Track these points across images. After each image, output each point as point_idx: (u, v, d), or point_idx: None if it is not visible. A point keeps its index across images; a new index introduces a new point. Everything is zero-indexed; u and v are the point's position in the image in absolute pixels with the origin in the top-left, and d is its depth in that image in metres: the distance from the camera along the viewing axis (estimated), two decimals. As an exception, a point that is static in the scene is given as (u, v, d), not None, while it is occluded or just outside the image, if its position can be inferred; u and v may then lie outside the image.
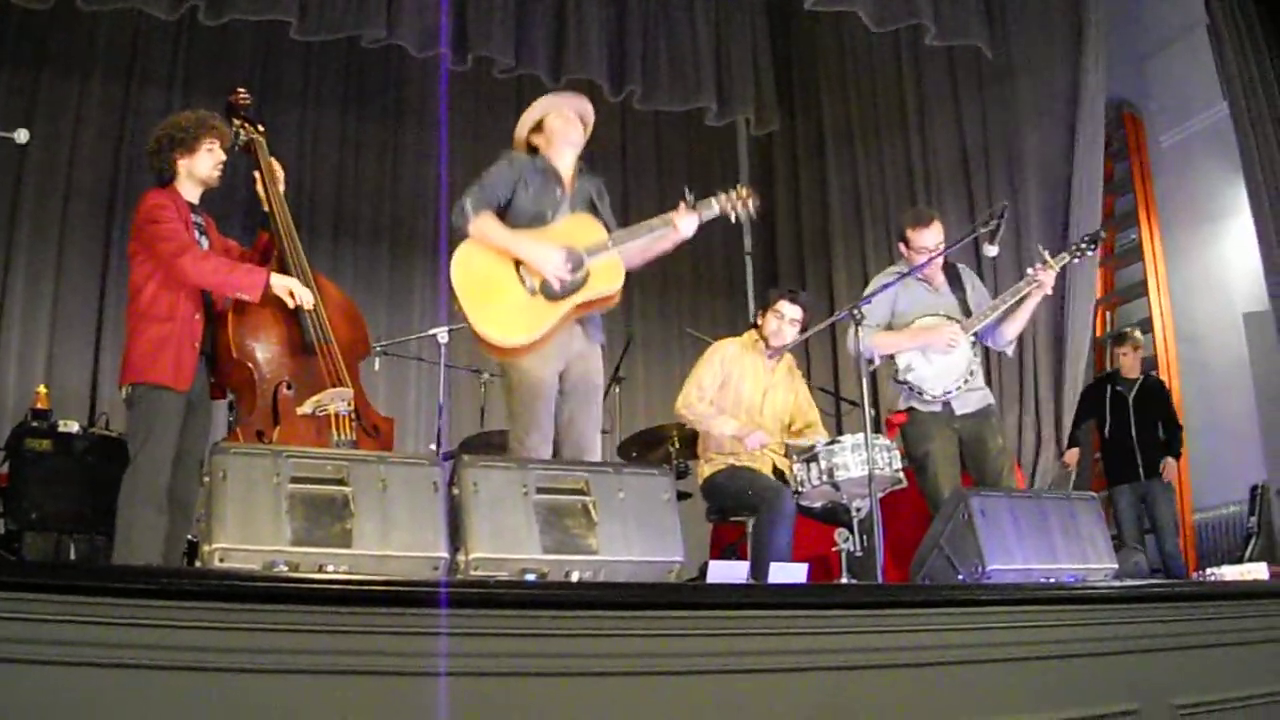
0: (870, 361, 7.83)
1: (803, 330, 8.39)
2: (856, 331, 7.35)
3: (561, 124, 6.99)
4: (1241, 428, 10.07)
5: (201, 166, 6.81)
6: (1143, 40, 11.03)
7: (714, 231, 13.49)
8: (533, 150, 7.06)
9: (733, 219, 7.12)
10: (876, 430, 7.58)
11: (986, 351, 8.46)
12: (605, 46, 11.32)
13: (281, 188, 7.21)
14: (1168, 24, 10.57)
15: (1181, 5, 10.46)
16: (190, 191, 6.82)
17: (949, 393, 7.87)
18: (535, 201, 6.77)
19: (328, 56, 12.01)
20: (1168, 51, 10.48)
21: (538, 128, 7.06)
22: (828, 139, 13.29)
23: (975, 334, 7.98)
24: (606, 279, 6.65)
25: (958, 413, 7.94)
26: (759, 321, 8.42)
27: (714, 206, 7.02)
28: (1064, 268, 8.12)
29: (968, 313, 8.03)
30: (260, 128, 7.42)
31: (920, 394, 7.93)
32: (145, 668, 3.81)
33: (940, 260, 8.14)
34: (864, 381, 7.25)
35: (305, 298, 6.74)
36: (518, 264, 6.56)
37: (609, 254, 6.67)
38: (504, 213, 6.73)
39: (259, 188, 7.19)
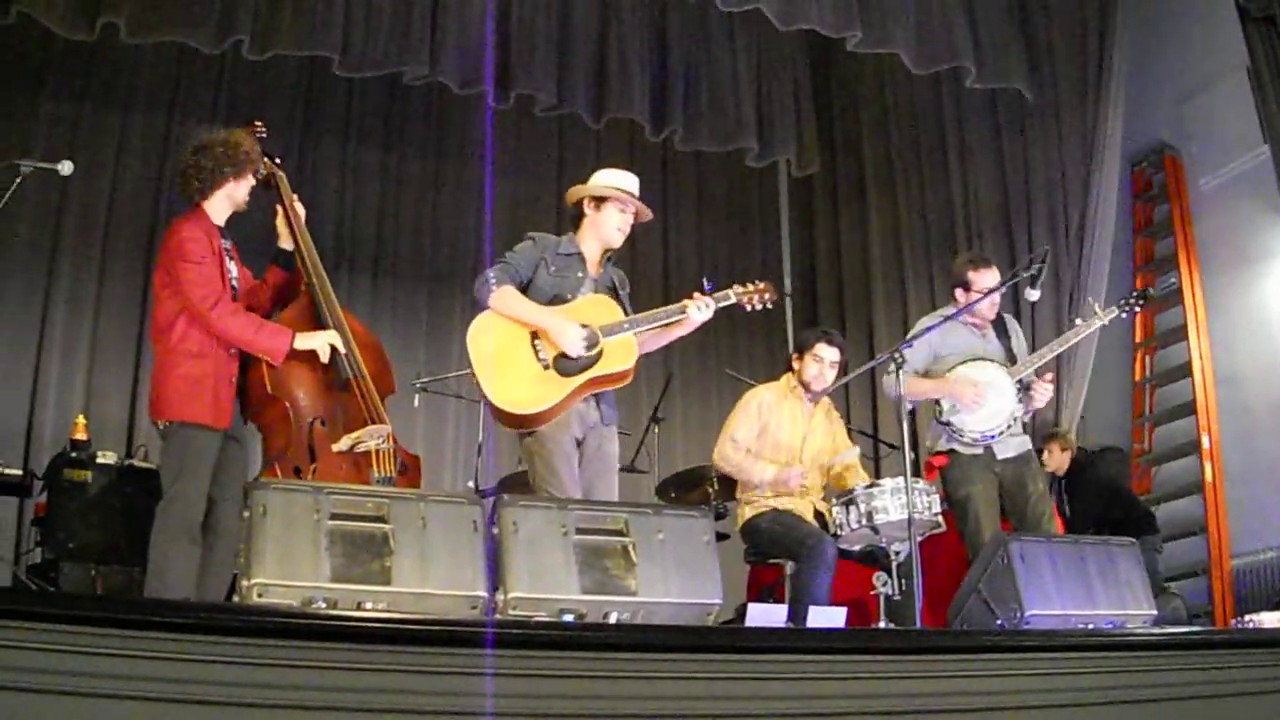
0: (903, 403, 7.84)
1: (842, 372, 8.36)
2: (897, 374, 7.32)
3: (620, 222, 7.08)
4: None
5: (243, 192, 6.79)
6: (1183, 82, 10.98)
7: (753, 271, 13.56)
8: (576, 211, 7.14)
9: (748, 309, 7.32)
10: (916, 474, 7.54)
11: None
12: (647, 86, 11.33)
13: (301, 219, 7.16)
14: (1208, 66, 10.51)
15: (1221, 47, 10.41)
16: (221, 215, 6.76)
17: (990, 436, 7.85)
18: (556, 283, 6.88)
19: (369, 93, 12.02)
20: (1208, 93, 10.43)
21: (597, 203, 7.08)
22: (869, 181, 13.25)
23: (1020, 381, 7.95)
24: (620, 358, 6.74)
25: (998, 456, 7.93)
26: (795, 366, 8.36)
27: (731, 297, 7.19)
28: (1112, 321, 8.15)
29: (1012, 360, 8.03)
30: (278, 161, 7.36)
31: (960, 436, 7.90)
32: (181, 701, 3.82)
33: (995, 307, 8.16)
34: (904, 425, 7.22)
35: (324, 352, 6.72)
36: (533, 338, 6.67)
37: (623, 334, 6.77)
38: (524, 291, 6.83)
39: (279, 222, 7.14)
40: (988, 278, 8.07)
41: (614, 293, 7.09)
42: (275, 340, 6.55)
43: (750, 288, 7.28)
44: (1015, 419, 7.91)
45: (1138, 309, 8.20)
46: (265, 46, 9.40)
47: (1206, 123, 10.20)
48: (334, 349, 6.75)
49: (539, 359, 6.62)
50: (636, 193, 7.15)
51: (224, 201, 6.75)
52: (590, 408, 6.84)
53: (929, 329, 7.96)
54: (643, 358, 7.06)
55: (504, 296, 6.71)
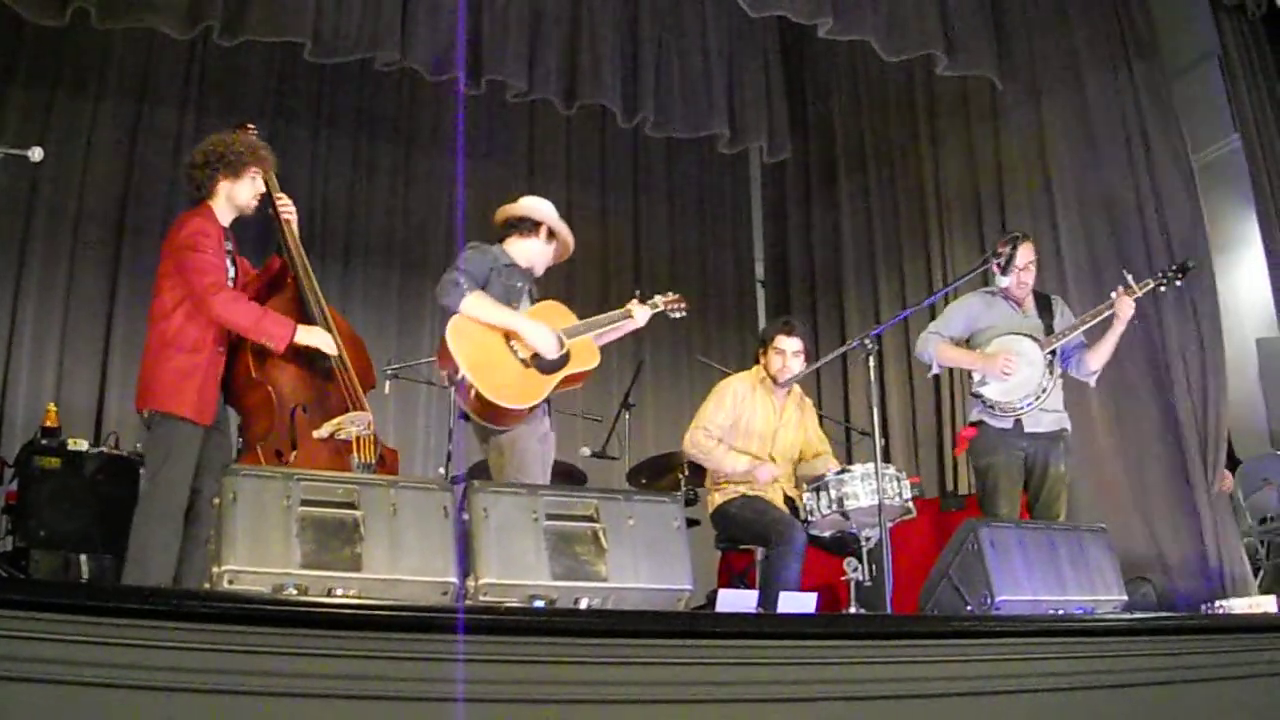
0: (929, 368, 8.25)
1: (809, 359, 8.38)
2: (867, 360, 7.35)
3: (554, 256, 7.65)
4: (1251, 454, 10.03)
5: (242, 193, 6.78)
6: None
7: (725, 258, 13.57)
8: (508, 226, 7.57)
9: (673, 316, 8.08)
10: (886, 460, 7.58)
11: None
12: (618, 73, 11.31)
13: (294, 221, 7.17)
14: (1179, 55, 10.54)
15: (1193, 37, 10.45)
16: (225, 215, 6.77)
17: (1018, 408, 7.95)
18: (504, 291, 7.21)
19: (340, 79, 11.98)
20: (1180, 81, 10.44)
21: (545, 230, 7.55)
22: (840, 167, 13.27)
23: (1054, 354, 8.08)
24: (586, 357, 7.26)
25: (1027, 430, 8.00)
26: (761, 359, 8.41)
27: (660, 305, 7.87)
28: (1149, 294, 8.18)
29: (1050, 335, 8.14)
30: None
31: (991, 407, 8.01)
32: (153, 689, 3.81)
33: (1030, 282, 8.28)
34: (874, 411, 7.25)
35: (329, 348, 6.76)
36: (506, 339, 7.03)
37: (582, 336, 7.27)
38: None
39: (274, 218, 7.17)
40: (1022, 252, 8.18)
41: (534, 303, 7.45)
42: (279, 328, 6.57)
43: (669, 296, 8.01)
44: (1045, 390, 7.96)
45: (1177, 282, 8.19)
46: (235, 33, 9.35)
47: (1177, 110, 10.20)
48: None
49: (518, 357, 6.98)
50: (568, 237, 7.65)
51: (225, 203, 6.76)
52: (545, 416, 7.22)
53: (958, 310, 8.35)
54: (613, 345, 7.65)
55: (477, 301, 7.00)
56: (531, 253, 7.47)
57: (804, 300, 13.55)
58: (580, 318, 7.43)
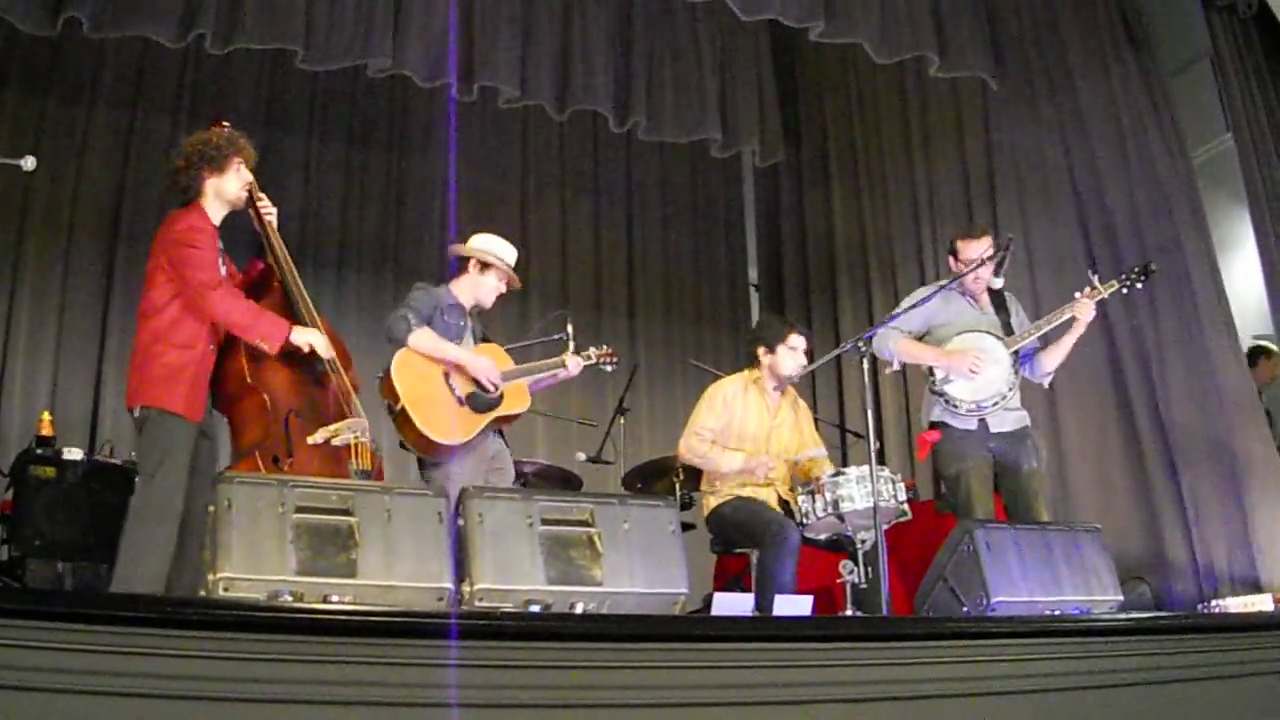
0: (889, 364, 8.18)
1: (810, 360, 8.38)
2: (862, 361, 7.33)
3: (497, 289, 7.94)
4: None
5: (230, 187, 6.73)
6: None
7: (719, 261, 13.57)
8: (459, 266, 7.99)
9: (607, 369, 8.60)
10: (881, 463, 7.56)
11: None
12: (610, 78, 11.30)
13: (273, 219, 7.12)
14: (1173, 55, 10.53)
15: (1186, 36, 10.44)
16: (216, 213, 6.71)
17: (982, 407, 7.88)
18: (445, 329, 7.59)
19: (333, 86, 11.97)
20: (1173, 82, 10.44)
21: (483, 265, 7.89)
22: (833, 170, 13.25)
23: (1016, 355, 8.01)
24: (517, 401, 7.65)
25: (992, 430, 7.95)
26: (764, 360, 8.35)
27: (592, 358, 8.26)
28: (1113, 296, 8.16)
29: (1009, 333, 8.05)
30: None
31: (954, 406, 7.93)
32: (149, 696, 3.82)
33: (984, 280, 8.20)
34: (869, 414, 7.24)
35: (324, 351, 6.75)
36: (446, 376, 7.42)
37: (517, 381, 7.70)
38: None
39: (253, 219, 7.11)
40: (974, 247, 8.14)
41: (479, 338, 7.91)
42: (275, 327, 6.54)
43: (603, 350, 8.41)
44: (1012, 388, 7.91)
45: (1139, 284, 8.16)
46: (228, 40, 9.33)
47: (1170, 109, 10.20)
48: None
49: (455, 395, 7.39)
50: (513, 264, 7.98)
51: (215, 199, 6.71)
52: (489, 440, 7.63)
53: (922, 300, 8.10)
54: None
55: (423, 336, 7.43)
56: (471, 289, 7.85)
57: (798, 303, 13.52)
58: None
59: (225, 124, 7.22)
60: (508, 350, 7.89)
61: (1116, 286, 8.09)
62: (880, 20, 10.15)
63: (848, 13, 9.98)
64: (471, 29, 10.46)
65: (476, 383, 7.43)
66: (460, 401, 7.32)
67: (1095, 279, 8.05)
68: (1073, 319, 7.96)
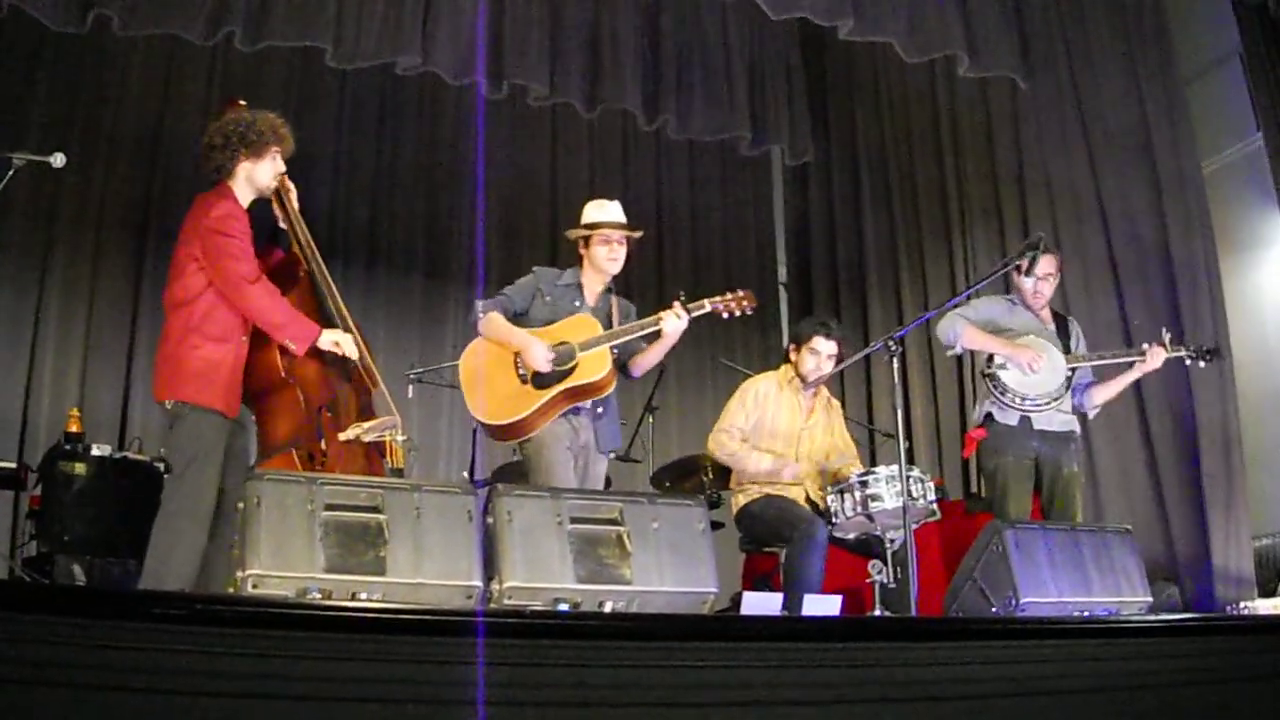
0: (950, 348, 8.20)
1: (838, 362, 8.34)
2: (892, 362, 7.31)
3: (607, 253, 7.59)
4: (1276, 456, 9.97)
5: (263, 174, 6.65)
6: (1177, 69, 10.96)
7: (748, 260, 13.55)
8: (576, 248, 7.72)
9: (726, 316, 7.84)
10: (910, 462, 7.55)
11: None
12: (639, 76, 11.32)
13: (295, 203, 7.00)
14: (1202, 53, 10.50)
15: (1215, 34, 10.40)
16: (244, 197, 6.61)
17: (1029, 404, 7.92)
18: (550, 312, 7.47)
19: (362, 83, 11.99)
20: (1202, 80, 10.41)
21: (584, 241, 7.64)
22: (862, 168, 13.22)
23: (1072, 373, 8.04)
24: (593, 369, 7.21)
25: (1036, 427, 7.97)
26: (792, 357, 8.35)
27: (706, 307, 7.65)
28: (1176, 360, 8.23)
29: (1068, 354, 8.07)
30: None
31: (1002, 393, 7.95)
32: (176, 693, 3.81)
33: (1047, 296, 8.28)
34: (899, 413, 7.22)
35: (351, 352, 6.66)
36: (516, 357, 7.24)
37: (598, 348, 7.28)
38: (520, 319, 7.47)
39: (274, 205, 6.98)
40: (1048, 263, 8.15)
41: (608, 320, 7.52)
42: (306, 329, 6.46)
43: (729, 296, 7.79)
44: (1058, 400, 7.93)
45: (1202, 362, 8.23)
46: (257, 38, 9.36)
47: (1200, 109, 10.16)
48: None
49: (519, 375, 7.21)
50: (618, 218, 7.70)
51: (245, 184, 6.62)
52: (585, 430, 7.35)
53: (990, 299, 8.34)
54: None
55: (489, 323, 7.36)
56: (589, 264, 7.61)
57: (827, 302, 13.49)
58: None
59: (242, 102, 7.15)
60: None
61: (1183, 354, 8.16)
62: (909, 19, 10.13)
63: (877, 11, 9.96)
64: (501, 27, 10.49)
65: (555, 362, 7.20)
66: (523, 380, 7.18)
67: (1168, 337, 8.06)
68: (1135, 363, 7.98)
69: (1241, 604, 8.19)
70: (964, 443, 8.33)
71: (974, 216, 11.60)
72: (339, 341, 6.60)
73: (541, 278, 7.59)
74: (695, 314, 7.49)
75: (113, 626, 3.76)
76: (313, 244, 6.98)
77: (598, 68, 11.15)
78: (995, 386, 7.95)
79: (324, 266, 6.96)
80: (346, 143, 12.18)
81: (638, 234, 7.75)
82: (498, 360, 7.24)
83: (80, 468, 8.51)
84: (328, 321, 6.72)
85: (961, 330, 8.07)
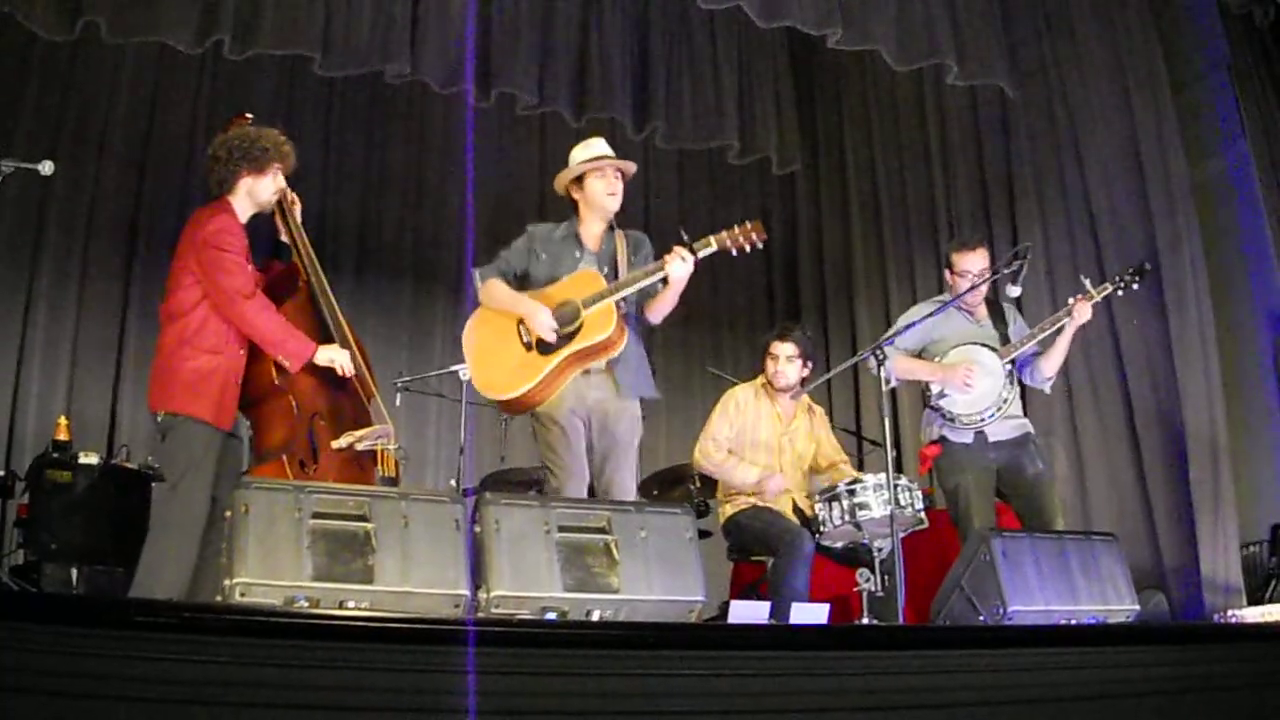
0: (888, 382, 7.83)
1: (809, 364, 8.33)
2: (879, 367, 7.31)
3: (605, 188, 7.27)
4: (1263, 466, 9.98)
5: (264, 190, 6.69)
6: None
7: (736, 269, 13.52)
8: (568, 198, 7.41)
9: (735, 253, 7.25)
10: (899, 471, 7.55)
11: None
12: (628, 84, 11.33)
13: (298, 217, 7.05)
14: (1190, 64, 10.51)
15: (1204, 46, 10.41)
16: (244, 212, 6.64)
17: (981, 419, 7.87)
18: (550, 269, 7.17)
19: (350, 92, 12.00)
20: (1189, 91, 10.42)
21: (578, 182, 7.32)
22: (850, 177, 13.21)
23: (1013, 363, 7.99)
24: (597, 328, 6.85)
25: (991, 440, 7.93)
26: (763, 365, 8.39)
27: (713, 244, 7.15)
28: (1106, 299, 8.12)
29: (1006, 343, 8.04)
30: None
31: (951, 420, 7.92)
32: (164, 701, 3.82)
33: (983, 291, 8.20)
34: (886, 421, 7.22)
35: (348, 369, 6.67)
36: (519, 323, 6.96)
37: (603, 303, 6.91)
38: (522, 282, 7.21)
39: (276, 218, 7.03)
40: (970, 259, 8.11)
41: (614, 261, 7.21)
42: (301, 346, 6.49)
43: (735, 229, 7.23)
44: (1006, 400, 7.88)
45: (1134, 286, 8.12)
46: (246, 46, 9.36)
47: (1185, 121, 10.17)
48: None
49: (523, 342, 6.92)
50: (607, 152, 7.35)
51: (246, 199, 6.66)
52: (590, 384, 7.00)
53: (920, 319, 8.02)
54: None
55: (489, 289, 7.11)
56: (586, 208, 7.32)
57: (815, 310, 13.50)
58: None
59: (249, 116, 7.19)
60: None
61: (1110, 289, 8.06)
62: (897, 27, 10.12)
63: (865, 20, 9.95)
64: (489, 36, 10.50)
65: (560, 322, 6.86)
66: (528, 347, 6.90)
67: (1088, 282, 8.01)
68: (1066, 324, 7.94)
69: (1229, 612, 8.18)
70: (918, 460, 8.27)
71: (963, 225, 11.59)
72: (334, 359, 6.61)
73: (535, 235, 7.33)
74: (702, 254, 7.03)
75: (101, 635, 3.76)
76: (314, 257, 7.01)
77: (586, 76, 11.16)
78: (947, 416, 7.94)
79: (325, 280, 6.99)
80: (335, 151, 12.18)
81: (631, 167, 7.46)
82: (501, 330, 6.99)
83: (68, 476, 8.48)
84: (326, 335, 6.75)
85: (891, 366, 7.84)
